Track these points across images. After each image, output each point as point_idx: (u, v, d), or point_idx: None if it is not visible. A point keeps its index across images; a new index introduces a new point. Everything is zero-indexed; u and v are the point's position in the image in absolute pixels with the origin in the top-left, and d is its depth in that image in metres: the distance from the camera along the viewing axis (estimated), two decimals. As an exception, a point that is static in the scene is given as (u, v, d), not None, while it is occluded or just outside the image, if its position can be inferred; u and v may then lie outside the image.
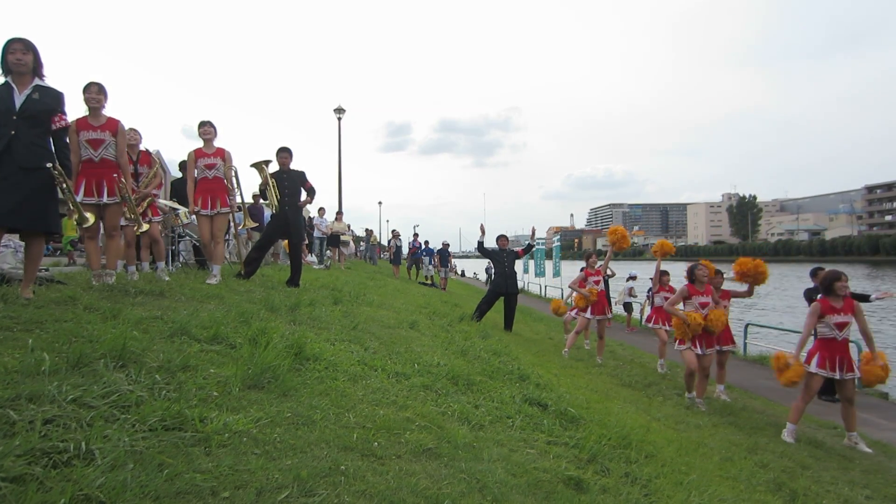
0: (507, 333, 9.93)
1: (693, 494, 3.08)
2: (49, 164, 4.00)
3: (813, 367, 5.60)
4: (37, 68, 4.07)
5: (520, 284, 33.54)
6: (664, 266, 9.79)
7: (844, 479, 4.68)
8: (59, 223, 4.30)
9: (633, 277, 15.48)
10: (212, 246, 6.70)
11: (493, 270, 10.70)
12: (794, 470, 4.71)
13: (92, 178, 4.92)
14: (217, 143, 6.82)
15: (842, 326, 5.57)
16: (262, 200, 11.77)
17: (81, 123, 4.92)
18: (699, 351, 6.68)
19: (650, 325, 9.90)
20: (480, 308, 10.35)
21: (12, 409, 1.96)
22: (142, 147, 6.52)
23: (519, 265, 34.96)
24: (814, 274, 8.43)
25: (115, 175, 5.00)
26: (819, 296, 5.91)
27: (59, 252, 14.54)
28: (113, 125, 5.01)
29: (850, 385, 5.65)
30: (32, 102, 3.95)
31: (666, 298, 9.54)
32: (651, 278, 10.46)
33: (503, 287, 10.54)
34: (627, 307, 16.11)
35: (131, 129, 6.37)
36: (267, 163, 7.53)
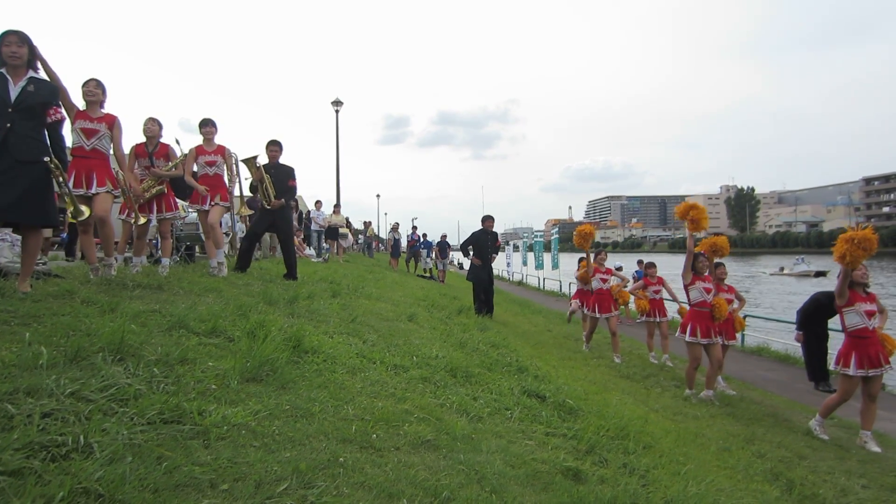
0: (501, 324, 9.93)
1: (690, 484, 3.10)
2: (46, 158, 3.99)
3: (852, 371, 5.43)
4: (31, 61, 4.04)
5: (518, 277, 33.52)
6: (653, 258, 9.82)
7: (841, 468, 4.71)
8: (56, 217, 4.29)
9: (619, 269, 15.42)
10: (211, 234, 6.72)
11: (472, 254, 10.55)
12: (792, 460, 4.73)
13: (82, 170, 4.94)
14: (217, 140, 6.91)
15: (871, 314, 5.50)
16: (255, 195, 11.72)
17: (80, 114, 4.99)
18: (705, 341, 6.68)
19: (642, 318, 9.92)
20: (478, 300, 10.35)
21: (10, 403, 1.96)
22: (162, 140, 6.43)
23: (518, 258, 34.81)
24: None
25: (105, 167, 5.02)
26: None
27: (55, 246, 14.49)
28: (110, 119, 5.09)
29: (878, 381, 5.53)
30: (28, 95, 3.93)
31: (656, 292, 9.58)
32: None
33: (482, 274, 10.53)
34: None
35: (151, 120, 6.34)
36: (256, 158, 7.49)
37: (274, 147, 7.70)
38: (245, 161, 7.50)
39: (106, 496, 1.60)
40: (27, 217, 3.95)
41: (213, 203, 6.67)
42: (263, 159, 7.62)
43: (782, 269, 47.22)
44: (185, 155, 6.53)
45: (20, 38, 3.95)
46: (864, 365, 5.41)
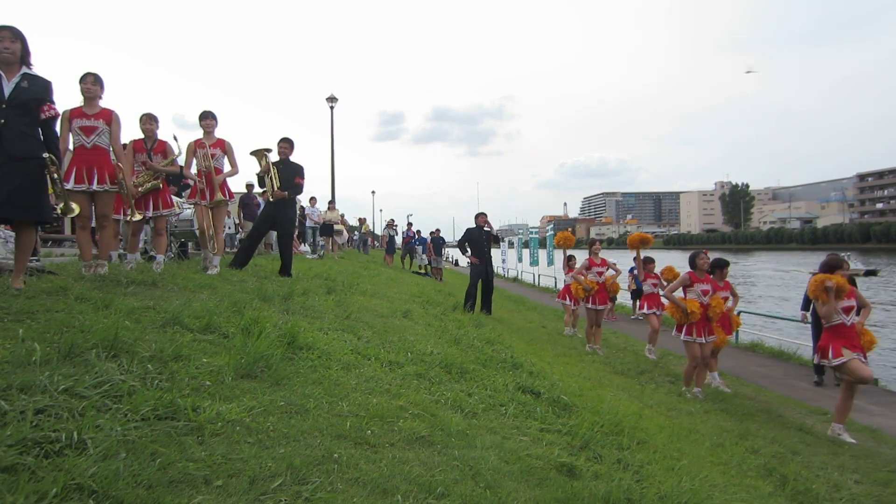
0: (496, 321, 9.93)
1: (684, 480, 3.11)
2: (45, 155, 3.97)
3: (838, 359, 5.38)
4: (25, 56, 4.01)
5: (513, 273, 33.52)
6: (649, 253, 9.84)
7: (834, 463, 4.73)
8: (50, 213, 4.27)
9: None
10: (209, 234, 6.69)
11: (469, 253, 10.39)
12: (785, 455, 4.76)
13: (83, 165, 4.98)
14: (217, 134, 6.88)
15: (848, 311, 5.49)
16: (255, 189, 11.69)
17: (75, 112, 5.01)
18: (701, 339, 6.69)
19: (642, 310, 9.94)
20: (469, 294, 10.28)
21: (3, 400, 1.95)
22: (159, 136, 6.37)
23: (513, 254, 34.75)
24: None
25: (107, 162, 5.04)
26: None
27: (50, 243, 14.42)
28: (107, 114, 5.10)
29: None
30: (21, 91, 3.90)
31: (654, 285, 9.60)
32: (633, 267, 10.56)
33: (482, 271, 10.42)
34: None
35: (147, 117, 6.29)
36: (268, 151, 7.54)
37: (284, 144, 7.78)
38: (254, 153, 7.51)
39: (99, 492, 1.60)
40: (20, 213, 3.93)
41: (214, 201, 6.64)
42: (274, 155, 7.66)
43: None
44: (175, 158, 6.48)
45: (13, 34, 3.92)
46: (841, 353, 5.38)
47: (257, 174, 7.64)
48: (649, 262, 9.94)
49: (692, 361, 6.78)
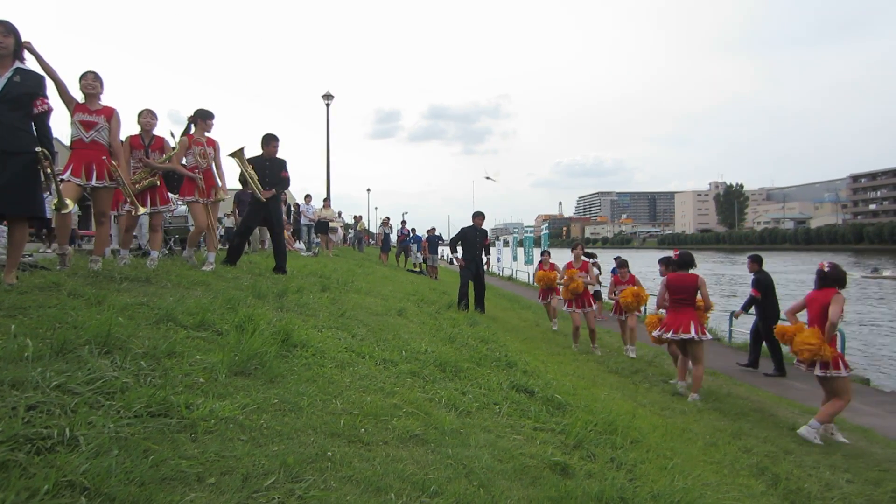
0: (490, 319, 9.92)
1: (677, 478, 3.12)
2: (38, 149, 3.95)
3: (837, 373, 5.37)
4: (17, 51, 3.99)
5: (508, 272, 33.55)
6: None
7: (826, 463, 4.76)
8: (44, 208, 4.25)
9: (592, 255, 15.13)
10: (207, 236, 6.68)
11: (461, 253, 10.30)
12: (777, 454, 4.78)
13: (81, 161, 4.99)
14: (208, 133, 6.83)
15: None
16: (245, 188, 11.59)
17: (79, 107, 5.05)
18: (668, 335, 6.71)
19: (615, 314, 10.00)
20: (462, 294, 10.22)
21: (-5, 396, 1.94)
22: (156, 132, 6.39)
23: (508, 253, 34.70)
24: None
25: (104, 158, 5.04)
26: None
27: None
28: (109, 112, 5.15)
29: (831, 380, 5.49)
30: (14, 86, 3.88)
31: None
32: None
33: (473, 271, 10.31)
34: (596, 295, 15.93)
35: (148, 112, 6.33)
36: (242, 150, 7.44)
37: (274, 142, 7.69)
38: (233, 154, 7.42)
39: (91, 489, 1.59)
40: (13, 208, 3.91)
41: (211, 199, 6.61)
42: (249, 152, 7.57)
43: (876, 269, 39.72)
44: (173, 153, 6.45)
45: (6, 29, 3.90)
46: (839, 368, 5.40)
47: (239, 175, 7.52)
48: (622, 266, 10.00)
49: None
